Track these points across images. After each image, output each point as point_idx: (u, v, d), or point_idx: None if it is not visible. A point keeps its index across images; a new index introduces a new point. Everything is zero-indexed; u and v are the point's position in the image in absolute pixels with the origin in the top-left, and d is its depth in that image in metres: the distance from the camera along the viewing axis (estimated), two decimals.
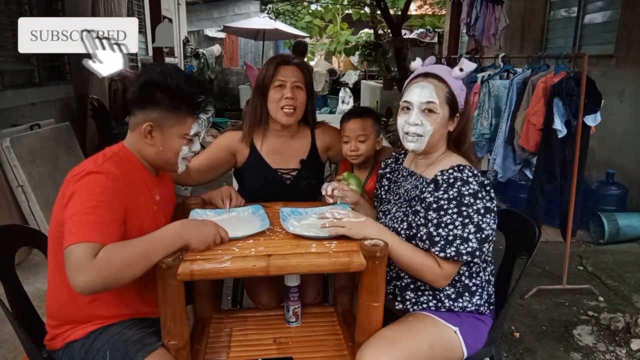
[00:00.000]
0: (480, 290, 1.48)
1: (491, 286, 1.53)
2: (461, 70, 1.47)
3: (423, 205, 1.42)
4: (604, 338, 2.49)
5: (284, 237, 1.43)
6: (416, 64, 1.56)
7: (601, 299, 2.89)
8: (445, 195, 1.37)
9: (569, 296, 2.91)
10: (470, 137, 1.56)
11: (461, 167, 1.41)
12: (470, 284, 1.47)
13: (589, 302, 2.85)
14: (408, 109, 1.46)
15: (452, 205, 1.36)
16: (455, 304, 1.46)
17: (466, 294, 1.46)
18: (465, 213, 1.35)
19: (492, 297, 1.53)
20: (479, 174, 1.41)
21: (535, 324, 2.63)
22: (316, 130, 1.97)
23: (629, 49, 4.17)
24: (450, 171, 1.40)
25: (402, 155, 1.68)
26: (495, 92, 3.43)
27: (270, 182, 1.90)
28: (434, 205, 1.38)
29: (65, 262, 1.13)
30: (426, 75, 1.47)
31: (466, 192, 1.36)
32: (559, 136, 2.84)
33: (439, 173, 1.42)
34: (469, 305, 1.46)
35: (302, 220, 1.56)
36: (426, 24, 12.63)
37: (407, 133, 1.46)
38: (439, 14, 12.51)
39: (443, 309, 1.47)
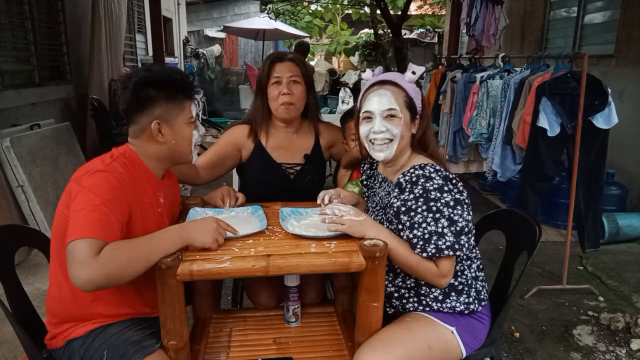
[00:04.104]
0: (467, 288, 1.47)
1: (479, 282, 1.52)
2: (413, 73, 1.49)
3: (391, 211, 1.42)
4: (604, 338, 2.49)
5: (283, 237, 1.43)
6: (367, 75, 1.57)
7: (601, 299, 2.89)
8: (411, 196, 1.37)
9: (569, 296, 2.91)
10: (433, 138, 1.56)
11: (422, 165, 1.41)
12: (456, 283, 1.46)
13: (589, 302, 2.85)
14: (370, 118, 1.47)
15: (420, 204, 1.36)
16: (443, 305, 1.45)
17: (453, 293, 1.46)
18: (434, 208, 1.34)
19: (482, 293, 1.52)
20: (443, 170, 1.41)
21: (535, 324, 2.63)
22: (320, 127, 1.99)
23: (629, 49, 4.17)
24: (412, 171, 1.41)
25: (376, 161, 1.67)
26: (494, 92, 3.44)
27: (274, 176, 1.91)
28: (403, 209, 1.39)
29: (67, 257, 1.13)
30: (382, 83, 1.48)
31: (431, 187, 1.36)
32: (549, 135, 2.84)
33: (401, 175, 1.43)
34: (458, 304, 1.46)
35: (302, 220, 1.56)
36: (426, 24, 12.63)
37: (372, 142, 1.46)
38: (439, 14, 12.51)
39: (432, 312, 1.47)
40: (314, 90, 1.96)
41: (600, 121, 2.80)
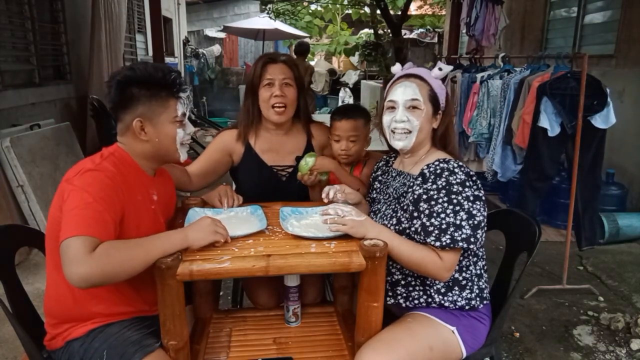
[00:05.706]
0: (470, 284, 1.49)
1: (482, 281, 1.53)
2: (440, 70, 1.54)
3: (412, 198, 1.45)
4: (604, 338, 2.49)
5: (283, 237, 1.43)
6: (396, 68, 1.61)
7: (601, 299, 2.89)
8: (434, 186, 1.40)
9: (569, 296, 2.91)
10: (455, 136, 1.59)
11: (447, 159, 1.46)
12: (460, 278, 1.48)
13: (589, 302, 2.85)
14: (393, 107, 1.52)
15: (441, 195, 1.39)
16: (445, 298, 1.47)
17: (456, 287, 1.47)
18: (455, 201, 1.37)
19: (485, 291, 1.53)
20: (465, 166, 1.45)
21: (535, 324, 2.63)
22: (312, 128, 1.98)
23: (629, 49, 4.17)
24: (436, 163, 1.45)
25: (393, 158, 1.71)
26: (494, 92, 3.43)
27: (266, 179, 1.90)
28: (424, 197, 1.41)
29: (61, 255, 1.12)
30: (408, 76, 1.53)
31: (454, 181, 1.39)
32: (549, 135, 2.84)
33: (425, 167, 1.47)
34: (459, 299, 1.47)
35: (302, 220, 1.56)
36: (426, 24, 12.62)
37: (393, 131, 1.51)
38: (439, 14, 12.51)
39: (434, 304, 1.47)
40: (304, 91, 1.94)
41: (598, 121, 2.80)
